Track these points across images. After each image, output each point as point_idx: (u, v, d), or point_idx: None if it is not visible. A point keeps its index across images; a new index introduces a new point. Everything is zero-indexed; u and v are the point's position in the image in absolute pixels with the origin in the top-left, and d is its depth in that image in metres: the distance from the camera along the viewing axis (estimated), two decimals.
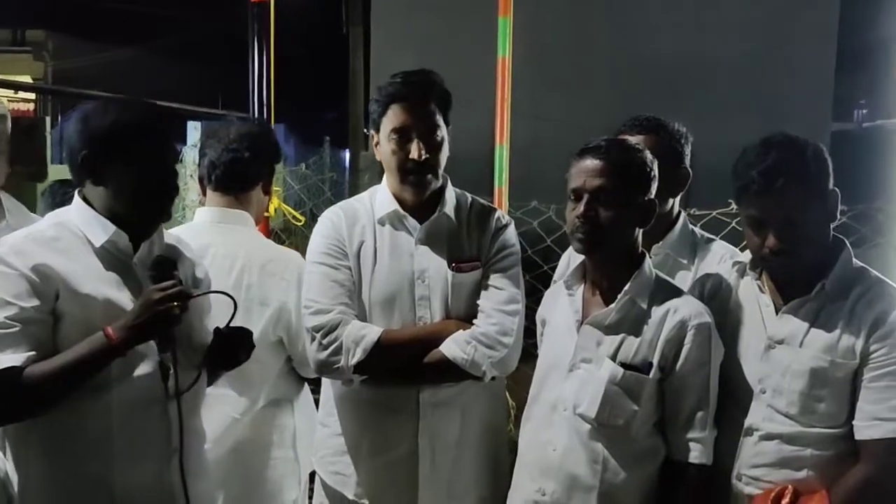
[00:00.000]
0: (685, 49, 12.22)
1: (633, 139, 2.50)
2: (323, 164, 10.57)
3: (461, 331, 2.48)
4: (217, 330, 2.33)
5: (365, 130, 14.95)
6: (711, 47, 12.23)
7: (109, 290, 2.15)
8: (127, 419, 2.14)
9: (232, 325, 2.32)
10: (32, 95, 19.17)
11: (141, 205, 2.19)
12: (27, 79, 19.20)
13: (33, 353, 2.03)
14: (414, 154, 2.48)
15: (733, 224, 3.61)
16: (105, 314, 2.09)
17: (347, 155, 16.39)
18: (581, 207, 2.26)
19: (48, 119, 8.92)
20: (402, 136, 2.49)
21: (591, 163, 2.28)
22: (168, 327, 2.09)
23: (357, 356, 2.42)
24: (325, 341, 2.45)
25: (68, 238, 2.17)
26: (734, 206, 3.14)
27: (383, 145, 2.55)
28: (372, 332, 2.43)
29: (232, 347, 2.35)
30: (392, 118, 2.50)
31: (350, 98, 14.86)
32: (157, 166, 2.17)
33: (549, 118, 10.31)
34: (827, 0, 12.80)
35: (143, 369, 2.15)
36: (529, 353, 2.56)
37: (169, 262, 2.18)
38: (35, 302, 2.06)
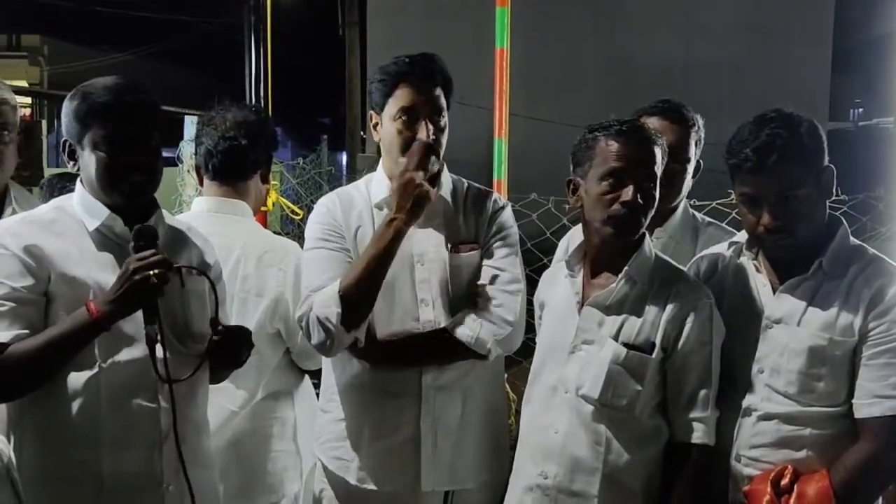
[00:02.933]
0: (681, 50, 12.26)
1: (656, 123, 2.51)
2: (321, 162, 10.57)
3: (466, 310, 2.48)
4: (213, 321, 2.29)
5: (362, 133, 14.98)
6: (708, 48, 12.28)
7: (102, 273, 2.14)
8: (116, 403, 2.13)
9: (227, 319, 2.31)
10: (28, 100, 19.18)
11: (108, 188, 2.16)
12: (23, 84, 19.21)
13: (24, 331, 2.04)
14: (422, 135, 2.45)
15: (733, 214, 3.62)
16: (95, 297, 2.08)
17: (344, 157, 16.41)
18: (630, 194, 2.22)
19: (44, 123, 8.92)
20: (411, 115, 2.47)
21: (640, 149, 2.26)
22: (148, 298, 2.06)
23: (335, 308, 2.36)
24: (308, 328, 2.43)
25: (66, 221, 2.18)
26: (733, 196, 3.16)
27: (387, 126, 2.52)
28: (332, 286, 2.39)
29: (233, 345, 2.32)
30: (400, 97, 2.47)
31: (347, 99, 14.87)
32: (119, 150, 2.12)
33: (542, 118, 10.33)
34: (822, 1, 12.86)
35: (133, 353, 2.14)
36: (531, 347, 2.56)
37: (149, 233, 2.13)
38: (27, 282, 2.07)
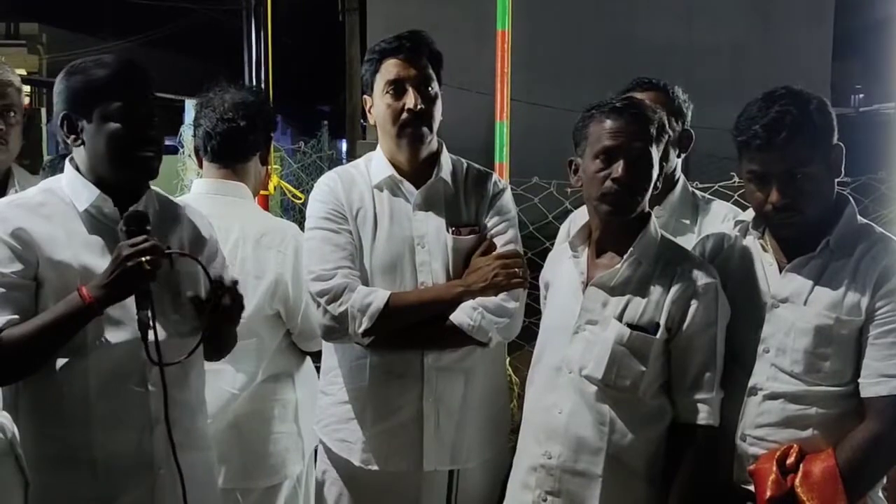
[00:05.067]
0: (683, 34, 12.23)
1: (642, 97, 2.50)
2: (321, 147, 10.55)
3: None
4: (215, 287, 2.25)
5: (362, 121, 14.94)
6: (710, 32, 12.25)
7: (90, 256, 2.12)
8: (105, 387, 2.12)
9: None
10: (27, 89, 19.15)
11: (119, 163, 2.14)
12: (22, 72, 19.16)
13: (15, 317, 2.02)
14: (410, 103, 2.47)
15: (736, 196, 3.61)
16: (83, 281, 2.06)
17: (344, 145, 16.38)
18: (620, 170, 2.22)
19: (43, 111, 8.88)
20: (397, 87, 2.49)
21: (630, 124, 2.24)
22: (141, 283, 2.04)
23: (364, 325, 2.41)
24: (330, 307, 2.43)
25: (54, 204, 2.16)
26: (735, 178, 3.15)
27: (377, 103, 2.54)
28: (378, 299, 2.42)
29: (233, 300, 2.26)
30: (385, 72, 2.51)
31: (347, 86, 14.81)
32: (132, 122, 2.12)
33: (543, 103, 10.31)
34: None
35: (121, 336, 2.12)
36: (533, 331, 2.56)
37: (141, 218, 2.12)
38: (16, 267, 2.05)
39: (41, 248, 2.08)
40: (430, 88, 2.51)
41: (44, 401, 2.11)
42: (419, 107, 2.47)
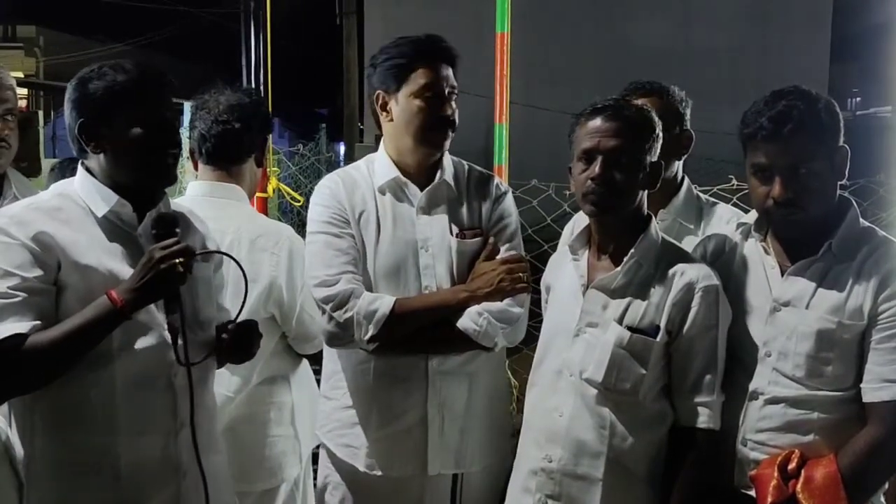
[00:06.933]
0: (681, 37, 12.25)
1: (638, 101, 2.48)
2: (319, 150, 10.55)
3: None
4: (225, 327, 2.30)
5: (360, 124, 14.92)
6: (707, 36, 12.27)
7: (112, 261, 2.10)
8: (131, 392, 2.10)
9: (224, 303, 2.31)
10: (24, 91, 19.13)
11: (143, 168, 2.14)
12: (19, 75, 19.14)
13: (38, 322, 1.99)
14: (447, 111, 2.48)
15: (735, 199, 3.61)
16: (107, 286, 2.04)
17: (342, 148, 16.38)
18: (597, 169, 2.23)
19: (41, 114, 8.86)
20: (435, 93, 2.47)
21: (605, 123, 2.25)
22: (173, 286, 2.04)
23: (370, 332, 2.39)
24: (335, 314, 2.41)
25: (71, 208, 2.13)
26: (734, 181, 3.13)
27: (406, 104, 2.49)
28: (384, 305, 2.40)
29: (243, 341, 2.32)
30: (422, 75, 2.47)
31: (344, 89, 14.79)
32: (157, 127, 2.12)
33: (540, 106, 10.31)
34: None
35: (147, 341, 2.11)
36: (532, 335, 2.55)
37: (170, 220, 2.13)
38: (38, 272, 2.02)
39: (65, 253, 2.05)
40: (455, 95, 2.53)
41: (67, 407, 2.08)
42: (453, 117, 2.50)
